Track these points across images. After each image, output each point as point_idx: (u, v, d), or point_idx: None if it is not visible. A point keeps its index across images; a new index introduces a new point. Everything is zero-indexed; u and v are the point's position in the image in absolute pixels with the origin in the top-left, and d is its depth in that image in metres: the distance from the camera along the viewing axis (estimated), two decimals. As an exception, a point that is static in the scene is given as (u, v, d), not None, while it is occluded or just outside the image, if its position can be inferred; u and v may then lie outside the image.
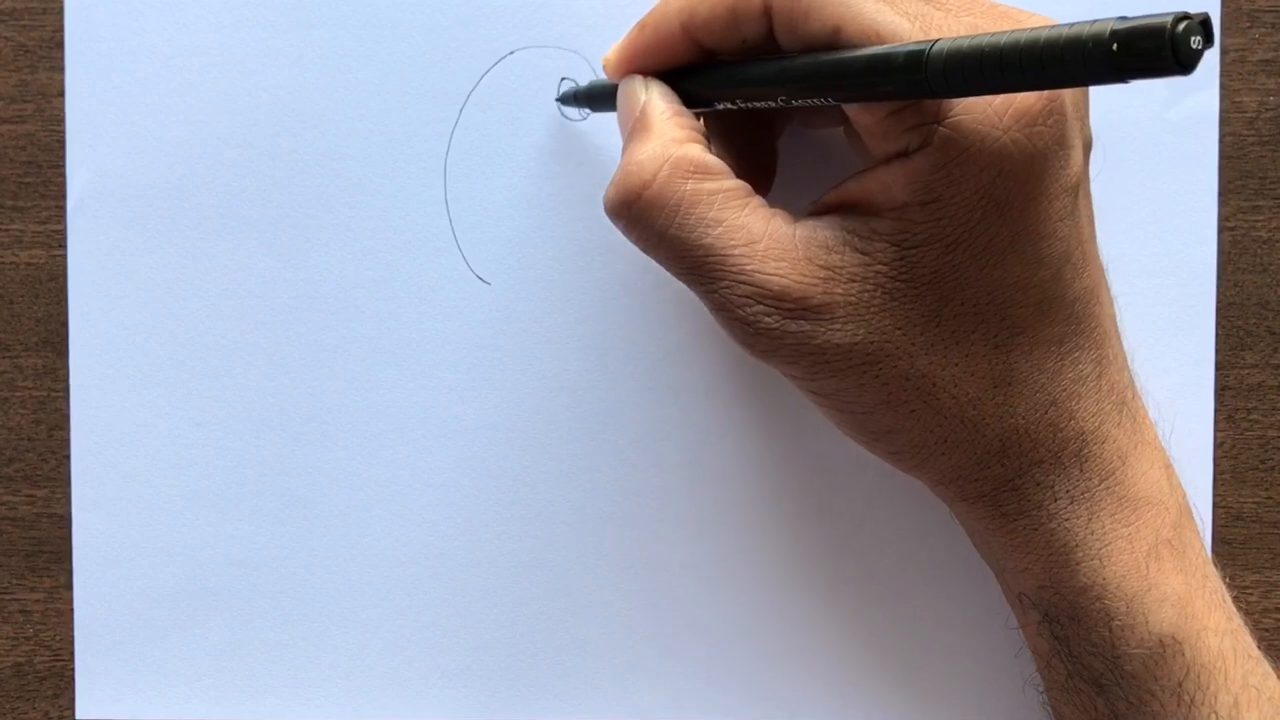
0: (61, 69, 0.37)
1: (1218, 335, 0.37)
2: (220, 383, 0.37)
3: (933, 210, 0.28)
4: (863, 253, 0.29)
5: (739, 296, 0.29)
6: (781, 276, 0.29)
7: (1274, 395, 0.37)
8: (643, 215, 0.30)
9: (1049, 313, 0.30)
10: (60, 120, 0.37)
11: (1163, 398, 0.36)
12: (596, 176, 0.37)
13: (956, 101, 0.28)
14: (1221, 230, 0.37)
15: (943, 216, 0.28)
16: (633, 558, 0.37)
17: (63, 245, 0.38)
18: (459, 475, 0.37)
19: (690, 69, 0.32)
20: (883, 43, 0.27)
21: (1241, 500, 0.38)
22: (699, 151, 0.30)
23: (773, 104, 0.29)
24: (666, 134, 0.30)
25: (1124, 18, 0.22)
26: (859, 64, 0.27)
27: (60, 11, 0.37)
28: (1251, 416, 0.37)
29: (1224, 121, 0.37)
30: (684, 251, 0.30)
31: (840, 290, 0.29)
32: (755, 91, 0.30)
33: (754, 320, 0.29)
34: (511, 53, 0.37)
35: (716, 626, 0.37)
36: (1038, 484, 0.31)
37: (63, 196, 0.37)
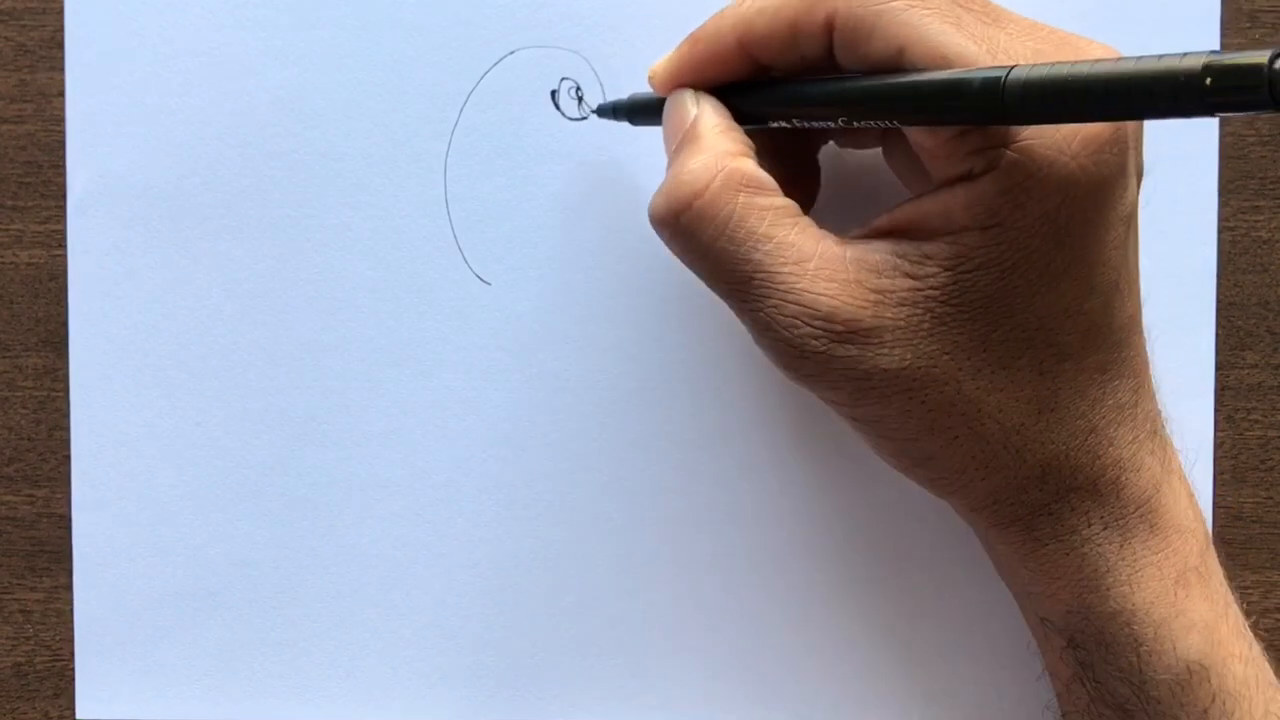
0: (61, 69, 0.37)
1: (1218, 335, 0.37)
2: (220, 383, 0.37)
3: (993, 235, 0.28)
4: (914, 277, 0.29)
5: (786, 316, 0.29)
6: (831, 298, 0.29)
7: (1274, 395, 0.37)
8: (691, 226, 0.29)
9: (1094, 340, 0.30)
10: (60, 120, 0.37)
11: (1163, 398, 0.36)
12: (597, 176, 0.37)
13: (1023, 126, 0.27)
14: (1221, 230, 0.37)
15: (1002, 241, 0.28)
16: (634, 558, 0.37)
17: (63, 245, 0.37)
18: (459, 475, 0.37)
19: (742, 85, 0.31)
20: (949, 66, 0.27)
21: (1241, 500, 0.38)
22: (752, 166, 0.30)
23: (831, 124, 0.29)
24: (719, 146, 0.30)
25: (1215, 52, 0.21)
26: (933, 88, 0.27)
27: (60, 11, 0.37)
28: (1251, 416, 0.37)
29: (1224, 121, 0.37)
30: (731, 266, 0.29)
31: (890, 314, 0.29)
32: (816, 111, 0.29)
33: (800, 343, 0.29)
34: (511, 53, 0.37)
35: (717, 627, 0.37)
36: (1074, 509, 0.31)
37: (63, 196, 0.37)
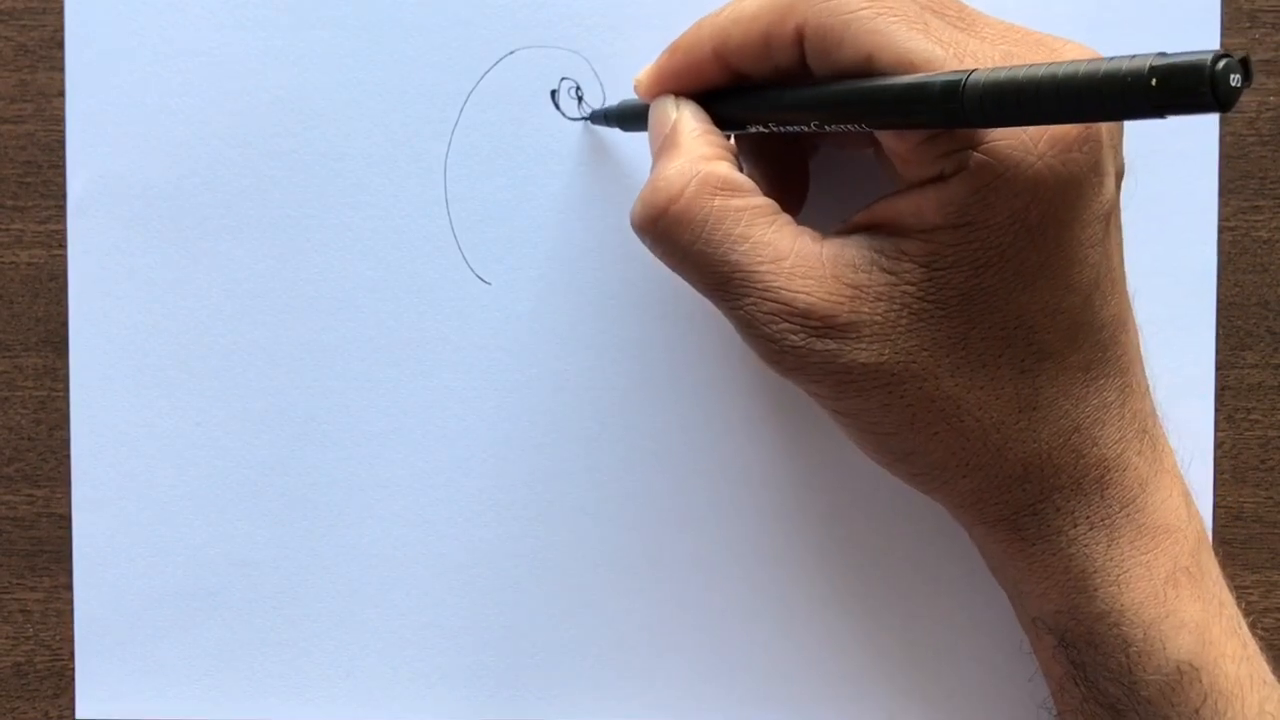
0: (61, 69, 0.37)
1: (1218, 335, 0.37)
2: (220, 383, 0.37)
3: (964, 233, 0.28)
4: (890, 273, 0.29)
5: (765, 314, 0.29)
6: (808, 294, 0.29)
7: (1274, 395, 0.37)
8: (669, 231, 0.30)
9: (1076, 339, 0.30)
10: (60, 120, 0.37)
11: (1163, 397, 0.36)
12: (597, 176, 0.37)
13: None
14: (1221, 230, 0.37)
15: (974, 240, 0.28)
16: (633, 558, 0.37)
17: (63, 245, 0.38)
18: (459, 475, 0.37)
19: (722, 92, 0.32)
20: (916, 70, 0.27)
21: (1241, 500, 0.38)
22: (726, 169, 0.30)
23: (805, 128, 0.29)
24: (695, 151, 0.30)
25: (1163, 54, 0.21)
26: (893, 93, 0.27)
27: (60, 11, 0.37)
28: (1251, 416, 0.37)
29: (1224, 121, 0.37)
30: (710, 267, 0.30)
31: (867, 310, 0.29)
32: (788, 116, 0.30)
33: (779, 338, 0.29)
34: (511, 53, 0.37)
35: (717, 627, 0.37)
36: (1058, 509, 0.31)
37: (63, 196, 0.37)
